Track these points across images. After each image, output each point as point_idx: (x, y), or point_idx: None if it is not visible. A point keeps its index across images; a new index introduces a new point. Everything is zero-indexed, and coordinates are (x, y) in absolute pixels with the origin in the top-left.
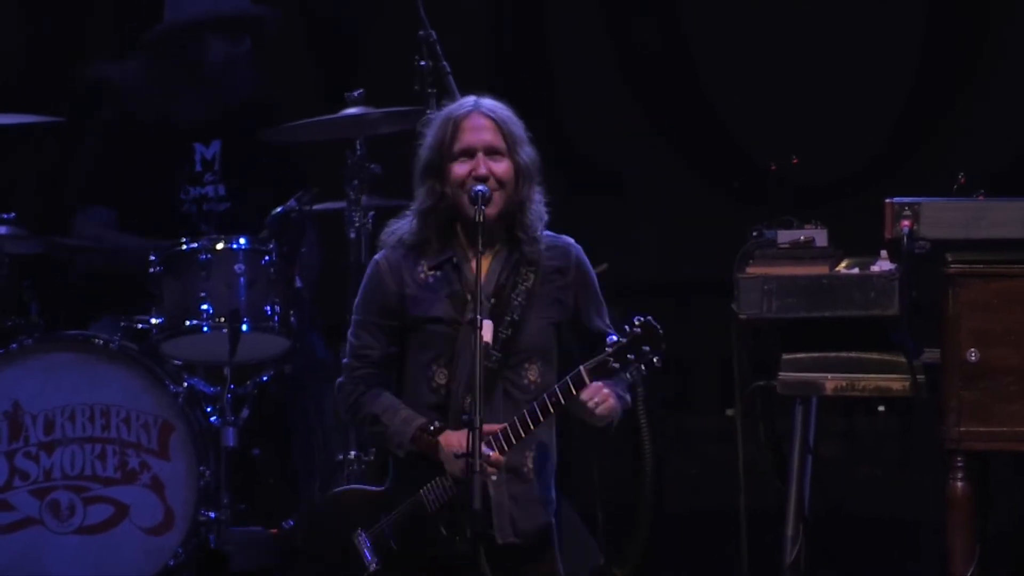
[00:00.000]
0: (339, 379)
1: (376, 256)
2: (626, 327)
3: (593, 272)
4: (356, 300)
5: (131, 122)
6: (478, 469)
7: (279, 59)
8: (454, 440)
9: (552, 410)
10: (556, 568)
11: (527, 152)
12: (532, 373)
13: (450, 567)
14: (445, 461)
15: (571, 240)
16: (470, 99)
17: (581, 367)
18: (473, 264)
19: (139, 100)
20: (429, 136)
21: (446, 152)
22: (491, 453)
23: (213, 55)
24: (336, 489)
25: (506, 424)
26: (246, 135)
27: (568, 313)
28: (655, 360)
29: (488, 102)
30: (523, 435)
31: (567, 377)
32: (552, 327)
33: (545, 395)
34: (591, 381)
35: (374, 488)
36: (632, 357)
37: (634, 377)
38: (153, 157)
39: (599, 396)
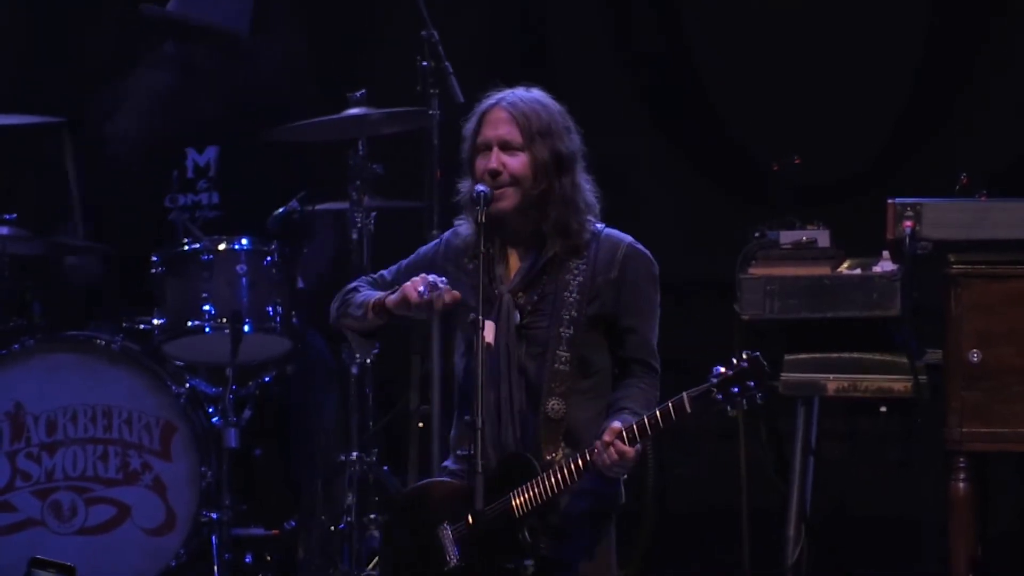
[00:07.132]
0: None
1: (444, 233)
2: (732, 359)
3: (645, 276)
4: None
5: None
6: (480, 469)
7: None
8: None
9: (650, 432)
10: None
11: (551, 145)
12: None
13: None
14: (405, 297)
15: (626, 237)
16: (502, 92)
17: (684, 394)
18: (508, 259)
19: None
20: (465, 130)
21: (471, 146)
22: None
23: (199, 61)
24: (423, 481)
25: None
26: (244, 139)
27: (608, 310)
28: (758, 397)
29: (515, 94)
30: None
31: (668, 402)
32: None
33: (645, 416)
34: (692, 409)
35: (462, 482)
36: (736, 391)
37: (733, 410)
38: (142, 168)
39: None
